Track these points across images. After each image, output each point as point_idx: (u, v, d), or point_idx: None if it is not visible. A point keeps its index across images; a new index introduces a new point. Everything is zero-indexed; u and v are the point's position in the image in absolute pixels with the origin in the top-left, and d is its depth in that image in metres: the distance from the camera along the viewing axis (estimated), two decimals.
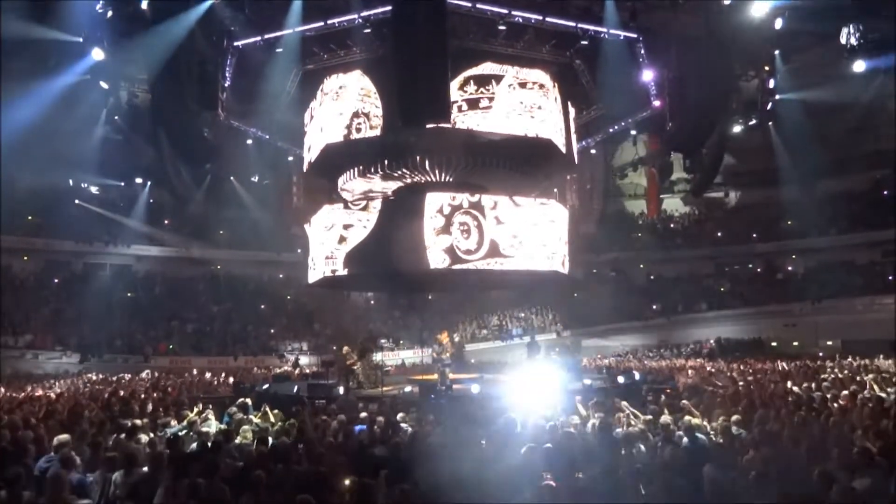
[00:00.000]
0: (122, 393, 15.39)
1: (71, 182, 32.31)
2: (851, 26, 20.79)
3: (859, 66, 22.01)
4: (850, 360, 20.35)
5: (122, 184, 32.97)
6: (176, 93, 19.49)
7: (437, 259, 15.88)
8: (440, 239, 15.86)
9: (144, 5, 18.82)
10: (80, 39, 19.86)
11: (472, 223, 15.95)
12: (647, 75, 22.46)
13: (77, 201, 31.87)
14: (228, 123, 22.76)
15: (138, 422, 9.14)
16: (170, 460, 6.64)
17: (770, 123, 28.28)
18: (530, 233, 16.51)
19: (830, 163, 31.95)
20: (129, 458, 6.51)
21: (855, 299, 29.09)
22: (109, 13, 19.37)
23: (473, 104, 16.82)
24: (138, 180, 32.71)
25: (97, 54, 19.89)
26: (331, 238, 17.30)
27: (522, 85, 17.60)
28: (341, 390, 16.10)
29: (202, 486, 5.63)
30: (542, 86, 17.71)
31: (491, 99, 17.10)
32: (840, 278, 30.84)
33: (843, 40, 21.16)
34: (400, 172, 17.97)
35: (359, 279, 18.14)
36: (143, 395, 14.38)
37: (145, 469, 6.44)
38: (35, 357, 26.28)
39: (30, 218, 31.45)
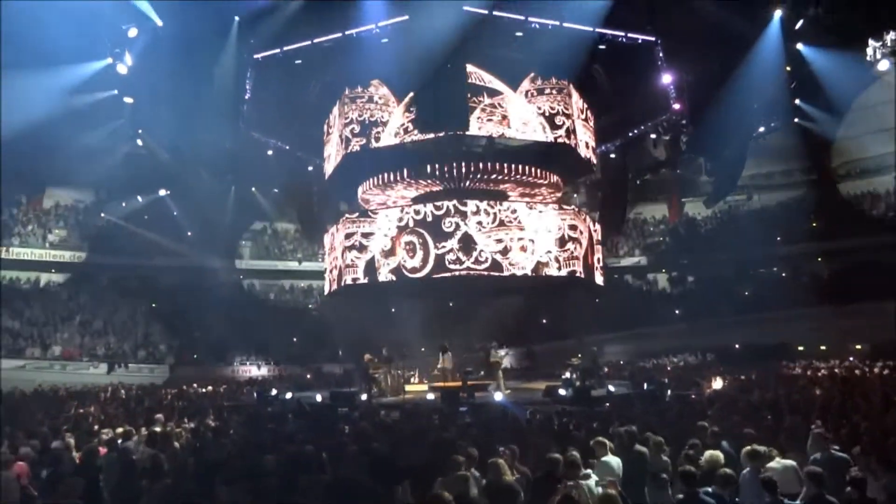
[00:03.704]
0: (146, 402, 15.58)
1: (96, 195, 32.91)
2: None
3: (883, 65, 21.78)
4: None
5: (144, 197, 33.40)
6: (198, 105, 19.84)
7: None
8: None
9: (160, 23, 19.22)
10: (110, 60, 20.24)
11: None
12: (667, 78, 22.30)
13: (102, 214, 32.39)
14: (249, 135, 23.01)
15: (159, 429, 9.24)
16: (196, 468, 6.70)
17: (796, 120, 27.92)
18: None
19: (854, 164, 31.52)
20: (155, 466, 6.59)
21: (883, 302, 28.49)
22: (134, 31, 19.72)
23: (492, 110, 16.88)
24: (161, 192, 33.16)
25: (121, 69, 20.29)
26: (350, 247, 17.41)
27: (540, 91, 17.64)
28: (364, 397, 16.15)
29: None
30: (560, 91, 17.73)
31: (509, 104, 17.14)
32: (867, 280, 30.27)
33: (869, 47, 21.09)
34: (419, 180, 18.06)
35: (379, 287, 18.20)
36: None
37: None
38: (63, 368, 26.65)
39: (56, 231, 32.02)
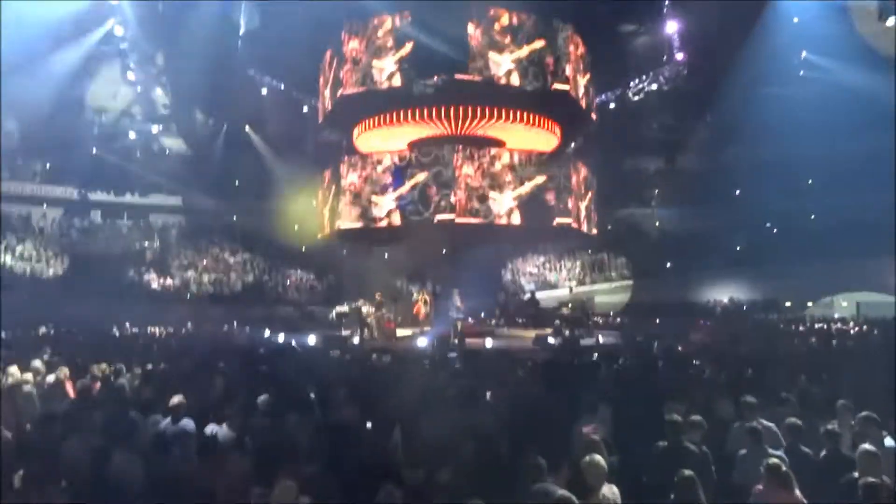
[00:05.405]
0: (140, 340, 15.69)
1: (89, 131, 32.30)
2: None
3: (891, 21, 21.38)
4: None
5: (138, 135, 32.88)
6: (193, 40, 19.36)
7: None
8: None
9: None
10: None
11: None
12: (671, 27, 21.84)
13: (94, 150, 31.91)
14: (244, 72, 22.53)
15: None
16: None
17: (801, 73, 27.51)
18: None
19: (848, 123, 31.16)
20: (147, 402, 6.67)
21: (872, 260, 28.71)
22: None
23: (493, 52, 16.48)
24: (154, 130, 32.64)
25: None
26: (343, 191, 17.28)
27: (540, 37, 17.20)
28: (356, 341, 16.31)
29: None
30: (561, 37, 17.32)
31: (510, 50, 16.76)
32: (858, 238, 30.40)
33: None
34: (414, 123, 17.80)
35: (371, 232, 18.17)
36: None
37: None
38: None
39: (47, 166, 31.61)
